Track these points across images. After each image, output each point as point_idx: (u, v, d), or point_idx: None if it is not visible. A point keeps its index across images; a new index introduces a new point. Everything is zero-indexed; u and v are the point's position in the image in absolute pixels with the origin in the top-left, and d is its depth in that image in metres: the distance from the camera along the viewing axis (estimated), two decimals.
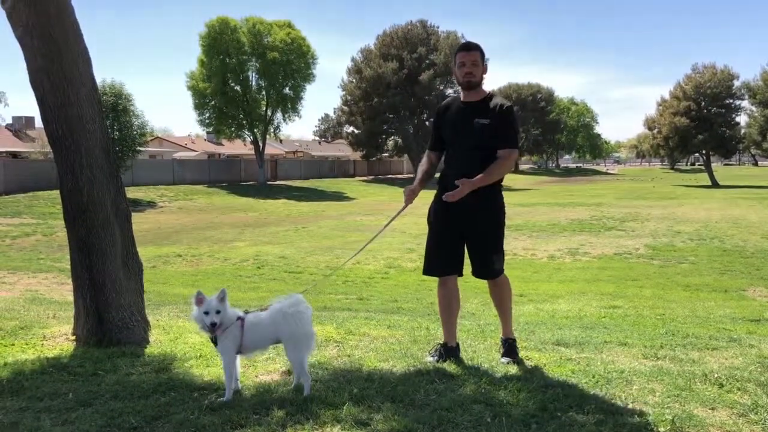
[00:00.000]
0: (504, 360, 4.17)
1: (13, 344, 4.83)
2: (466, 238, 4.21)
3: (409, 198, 4.24)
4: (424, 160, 4.43)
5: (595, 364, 4.12)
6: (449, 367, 4.02)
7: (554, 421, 3.07)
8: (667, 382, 3.68)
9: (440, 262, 4.27)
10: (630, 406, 3.32)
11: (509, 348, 4.28)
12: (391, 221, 4.55)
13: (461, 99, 4.27)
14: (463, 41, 4.34)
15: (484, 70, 4.21)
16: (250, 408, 3.27)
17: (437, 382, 3.70)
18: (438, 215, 4.23)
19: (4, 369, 4.11)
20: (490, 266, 4.21)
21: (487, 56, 4.23)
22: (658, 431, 2.95)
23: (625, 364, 4.15)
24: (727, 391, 3.54)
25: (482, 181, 4.01)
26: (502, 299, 4.35)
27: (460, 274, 4.30)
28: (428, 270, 4.36)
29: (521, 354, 4.37)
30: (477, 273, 4.25)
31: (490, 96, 4.20)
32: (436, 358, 4.21)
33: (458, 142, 4.19)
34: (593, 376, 3.79)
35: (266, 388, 3.59)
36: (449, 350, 4.27)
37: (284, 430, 3.01)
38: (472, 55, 4.13)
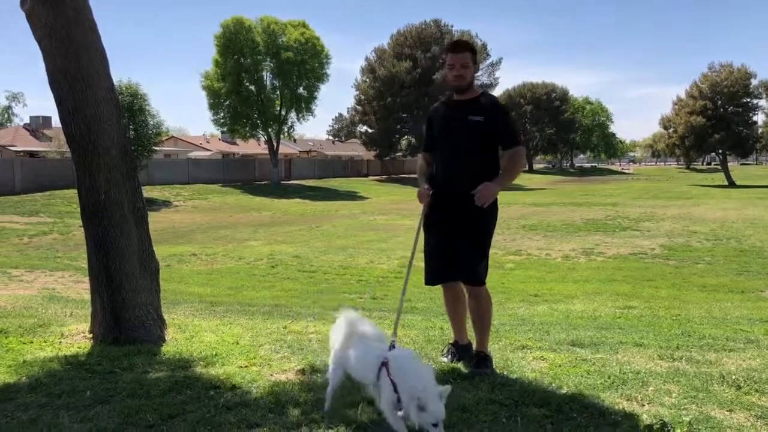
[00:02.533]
0: (475, 371, 3.88)
1: (31, 342, 4.89)
2: (454, 239, 4.01)
3: (425, 197, 4.03)
4: (422, 163, 4.30)
5: (610, 364, 4.10)
6: (464, 367, 4.02)
7: (570, 422, 3.07)
8: (684, 384, 3.66)
9: (441, 269, 4.10)
10: (646, 407, 3.30)
11: (480, 360, 4.00)
12: (420, 229, 4.17)
13: (453, 99, 4.13)
14: (454, 39, 4.20)
15: (476, 70, 4.09)
16: (265, 407, 3.30)
17: (452, 382, 3.69)
18: (432, 221, 4.05)
19: (23, 366, 4.16)
20: (473, 270, 3.98)
21: (481, 54, 4.13)
22: None
23: (640, 365, 4.12)
24: (745, 393, 3.51)
25: (503, 181, 3.90)
26: (480, 312, 4.07)
27: (448, 281, 4.16)
28: (430, 279, 4.17)
29: (536, 354, 4.36)
30: (461, 277, 4.08)
31: (482, 94, 4.08)
32: (449, 357, 4.19)
33: (450, 139, 4.02)
34: (609, 377, 3.77)
35: (282, 388, 3.61)
36: (461, 348, 4.23)
37: (299, 429, 3.03)
38: (462, 57, 3.95)
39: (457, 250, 4.00)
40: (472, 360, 4.05)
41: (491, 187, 3.81)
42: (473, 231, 3.98)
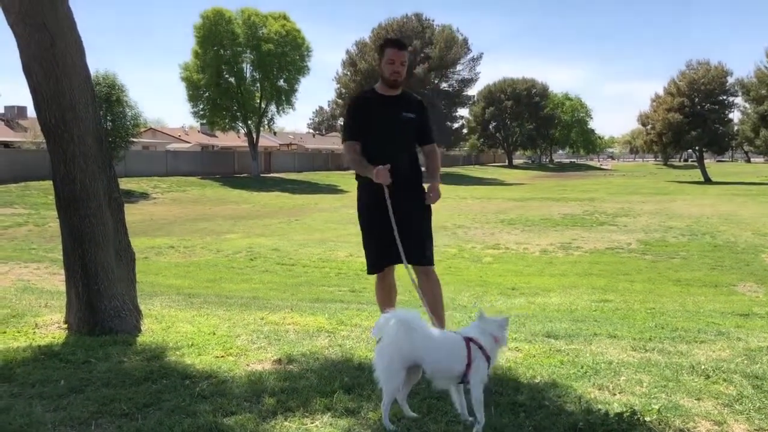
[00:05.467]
0: None
1: (4, 332, 4.84)
2: (399, 227, 4.07)
3: (387, 176, 3.99)
4: (355, 154, 4.27)
5: (584, 355, 4.16)
6: None
7: (542, 410, 3.11)
8: (655, 373, 3.72)
9: (386, 255, 4.20)
10: (617, 396, 3.36)
11: None
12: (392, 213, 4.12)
13: (380, 93, 4.28)
14: (392, 36, 4.38)
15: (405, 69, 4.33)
16: (241, 396, 3.30)
17: (426, 373, 3.72)
18: (374, 210, 4.13)
19: None
20: (425, 251, 4.25)
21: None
22: (645, 420, 2.98)
23: (613, 355, 4.19)
24: (713, 382, 3.58)
25: (439, 177, 4.37)
26: (436, 296, 4.26)
27: (399, 262, 4.16)
28: (377, 267, 4.29)
29: (511, 345, 4.41)
30: (413, 259, 4.14)
31: (405, 91, 4.34)
32: None
33: (388, 133, 4.23)
34: (581, 367, 3.82)
35: (258, 377, 3.62)
36: None
37: (275, 418, 3.04)
38: (403, 54, 4.21)
39: (407, 235, 4.10)
40: None
41: (438, 187, 4.27)
42: (421, 216, 4.28)
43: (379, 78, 4.34)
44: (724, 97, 55.74)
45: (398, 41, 4.31)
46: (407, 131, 4.26)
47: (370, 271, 4.36)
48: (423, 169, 4.47)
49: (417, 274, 4.25)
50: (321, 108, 68.51)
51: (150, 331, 4.84)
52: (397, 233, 3.98)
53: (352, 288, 10.95)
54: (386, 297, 4.41)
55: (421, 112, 4.31)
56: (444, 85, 64.75)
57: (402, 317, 2.92)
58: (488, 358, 2.90)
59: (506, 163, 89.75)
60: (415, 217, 4.24)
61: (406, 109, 4.26)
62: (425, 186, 4.28)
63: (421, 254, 4.22)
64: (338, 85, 64.06)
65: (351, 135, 4.33)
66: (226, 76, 47.06)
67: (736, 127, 57.67)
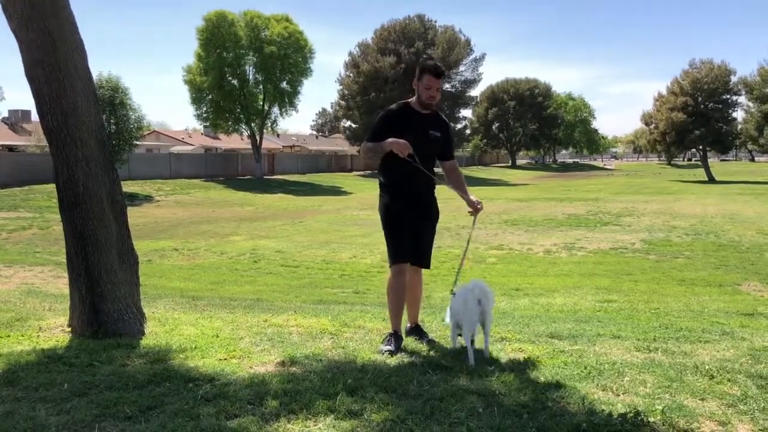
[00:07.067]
0: (424, 340, 4.59)
1: (8, 335, 4.84)
2: (418, 231, 4.58)
3: (407, 146, 4.27)
4: (373, 144, 4.49)
5: (587, 356, 4.15)
6: (442, 358, 4.06)
7: (545, 411, 3.10)
8: (659, 374, 3.71)
9: (411, 250, 4.56)
10: (621, 396, 3.35)
11: (420, 330, 4.76)
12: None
13: (415, 109, 4.54)
14: (432, 62, 4.58)
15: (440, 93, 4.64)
16: (244, 398, 3.30)
17: (430, 373, 3.73)
18: (407, 211, 4.53)
19: (0, 360, 4.12)
20: (430, 258, 4.69)
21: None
22: (649, 421, 2.98)
23: (617, 356, 4.18)
24: (718, 382, 3.57)
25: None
26: (420, 290, 4.82)
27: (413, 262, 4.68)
28: (403, 257, 4.55)
29: (515, 345, 4.42)
30: (420, 262, 4.64)
31: (436, 111, 4.65)
32: (392, 348, 4.27)
33: (416, 148, 4.36)
34: (585, 368, 3.82)
35: (261, 379, 3.62)
36: (401, 338, 4.47)
37: (278, 420, 3.04)
38: (439, 82, 4.50)
39: (423, 240, 4.63)
40: (412, 333, 4.70)
41: (477, 202, 4.59)
42: (433, 227, 4.72)
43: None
44: (728, 96, 55.59)
45: (438, 69, 4.50)
46: (432, 148, 4.54)
47: (398, 260, 4.54)
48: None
49: (415, 274, 4.71)
50: (324, 110, 68.80)
51: (153, 334, 4.84)
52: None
53: (356, 289, 10.94)
54: (401, 293, 4.55)
55: (446, 131, 4.65)
56: (447, 86, 64.61)
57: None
58: None
59: (509, 164, 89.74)
60: (432, 229, 4.70)
61: (434, 127, 4.56)
62: (472, 198, 4.54)
63: (428, 260, 4.69)
64: (341, 87, 64.07)
65: (375, 138, 4.50)
66: (229, 78, 47.18)
67: (739, 126, 57.50)
